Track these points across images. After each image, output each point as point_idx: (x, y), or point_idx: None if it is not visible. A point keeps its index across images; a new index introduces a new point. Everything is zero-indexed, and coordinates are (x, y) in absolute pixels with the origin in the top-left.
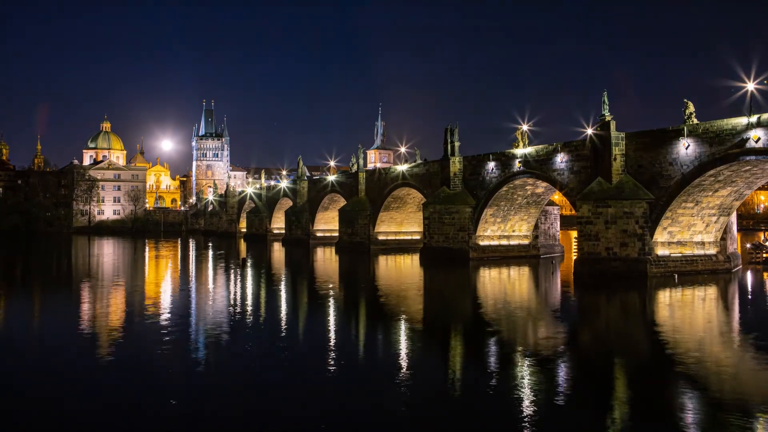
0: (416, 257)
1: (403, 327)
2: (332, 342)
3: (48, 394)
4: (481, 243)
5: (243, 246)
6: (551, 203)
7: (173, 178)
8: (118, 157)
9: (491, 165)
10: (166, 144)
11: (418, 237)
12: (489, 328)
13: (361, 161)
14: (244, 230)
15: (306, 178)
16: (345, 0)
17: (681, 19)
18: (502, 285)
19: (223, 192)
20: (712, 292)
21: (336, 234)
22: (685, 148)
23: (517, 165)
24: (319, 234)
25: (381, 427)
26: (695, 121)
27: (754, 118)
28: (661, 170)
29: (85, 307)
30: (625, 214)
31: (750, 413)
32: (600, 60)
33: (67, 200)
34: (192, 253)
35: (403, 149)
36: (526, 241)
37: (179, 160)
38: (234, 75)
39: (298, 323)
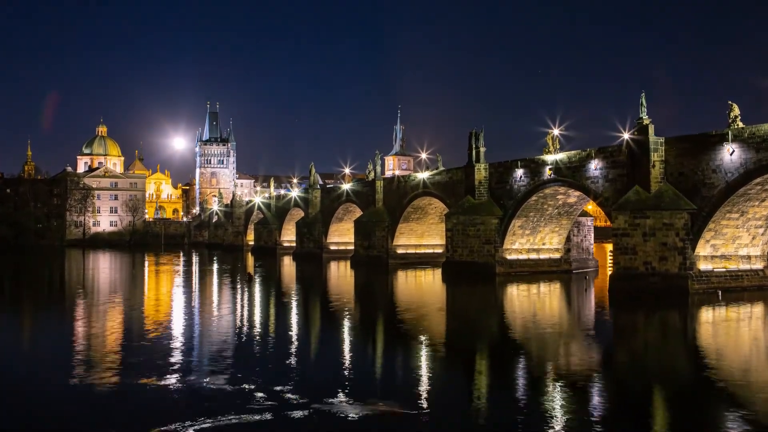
0: (438, 272)
1: (423, 349)
2: (347, 365)
3: (33, 427)
4: (509, 257)
5: (250, 260)
6: (584, 214)
7: (175, 187)
8: (115, 163)
9: (519, 172)
10: (167, 149)
11: (440, 250)
12: (517, 350)
13: (378, 168)
14: (252, 243)
15: (319, 186)
16: None
17: (723, 10)
18: (531, 302)
19: (228, 202)
20: (758, 310)
21: (351, 247)
22: (730, 154)
23: (547, 172)
24: (332, 247)
25: None
26: (740, 124)
27: None
28: (704, 178)
29: (79, 327)
30: (665, 226)
31: None
32: (637, 58)
33: (60, 211)
34: (195, 268)
35: (423, 155)
36: (557, 255)
37: (181, 167)
38: (240, 75)
39: (310, 346)
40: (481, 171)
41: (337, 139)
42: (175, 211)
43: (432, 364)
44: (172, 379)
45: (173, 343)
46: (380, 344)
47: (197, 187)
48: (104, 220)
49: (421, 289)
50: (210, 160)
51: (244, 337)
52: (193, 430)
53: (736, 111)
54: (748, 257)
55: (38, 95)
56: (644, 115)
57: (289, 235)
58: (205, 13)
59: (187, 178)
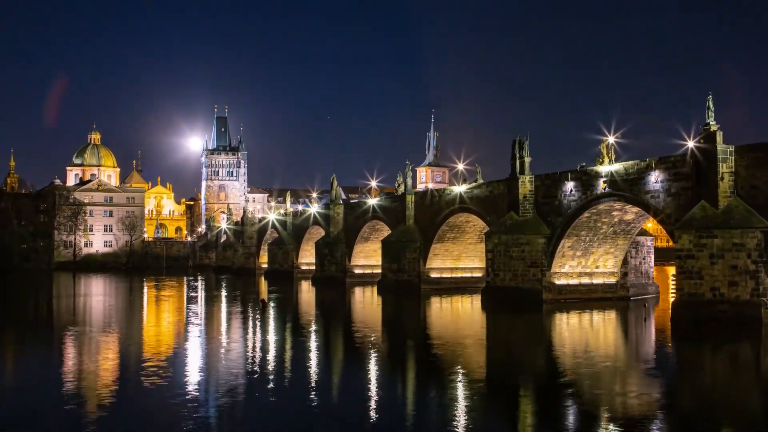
0: (477, 299)
1: (461, 387)
2: (375, 406)
3: None
4: (557, 282)
5: (264, 285)
6: (643, 233)
7: (178, 202)
8: (109, 175)
9: (569, 185)
10: (169, 160)
11: (479, 274)
12: (567, 388)
13: (409, 181)
14: (265, 266)
15: (341, 201)
16: None
17: None
18: (583, 333)
19: (239, 219)
20: None
21: (378, 270)
22: None
23: (601, 185)
24: (357, 270)
25: None
26: None
27: None
28: None
29: (68, 362)
30: (735, 247)
31: None
32: (704, 56)
33: (47, 229)
34: (201, 294)
35: (460, 166)
36: (612, 280)
37: (185, 180)
38: (252, 76)
39: (332, 385)
40: (525, 184)
41: (363, 149)
42: (178, 229)
43: (471, 403)
44: (174, 429)
45: (175, 382)
46: (411, 382)
47: (203, 202)
48: (97, 239)
49: (458, 318)
50: (218, 171)
51: (257, 375)
52: None
53: None
54: None
55: (21, 97)
56: (711, 121)
57: (307, 257)
58: (212, 6)
59: (192, 192)
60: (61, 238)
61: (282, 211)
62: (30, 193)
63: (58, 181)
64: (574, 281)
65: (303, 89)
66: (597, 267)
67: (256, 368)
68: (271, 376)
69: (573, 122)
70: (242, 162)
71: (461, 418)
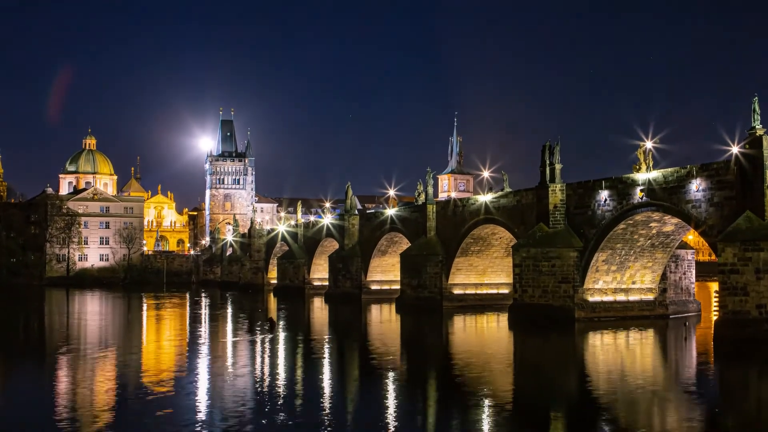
0: (504, 317)
1: (486, 412)
2: None
3: None
4: (591, 298)
5: (273, 303)
6: (683, 245)
7: (180, 212)
8: (105, 183)
9: (604, 194)
10: (171, 166)
11: (505, 290)
12: (601, 413)
13: (430, 189)
14: (275, 281)
15: (357, 212)
16: None
17: None
18: (619, 354)
19: (246, 231)
20: None
21: (396, 286)
22: None
23: (638, 194)
24: (374, 286)
25: None
26: None
27: None
28: None
29: (61, 387)
30: None
31: None
32: (748, 55)
33: (39, 242)
34: (205, 313)
35: (486, 173)
36: (650, 296)
37: (188, 188)
38: (260, 77)
39: (347, 412)
40: (556, 193)
41: (380, 155)
42: (180, 242)
43: (497, 430)
44: None
45: (177, 409)
46: (433, 407)
47: (207, 212)
48: (93, 253)
49: (483, 338)
50: (223, 179)
51: (266, 401)
52: None
53: None
54: None
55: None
56: (758, 124)
57: (320, 272)
58: (213, 6)
59: (195, 201)
60: (53, 252)
61: (292, 222)
62: (20, 202)
63: (50, 190)
64: (609, 298)
65: (315, 90)
66: (633, 283)
67: (265, 394)
68: (281, 402)
69: (607, 126)
70: (249, 169)
71: None
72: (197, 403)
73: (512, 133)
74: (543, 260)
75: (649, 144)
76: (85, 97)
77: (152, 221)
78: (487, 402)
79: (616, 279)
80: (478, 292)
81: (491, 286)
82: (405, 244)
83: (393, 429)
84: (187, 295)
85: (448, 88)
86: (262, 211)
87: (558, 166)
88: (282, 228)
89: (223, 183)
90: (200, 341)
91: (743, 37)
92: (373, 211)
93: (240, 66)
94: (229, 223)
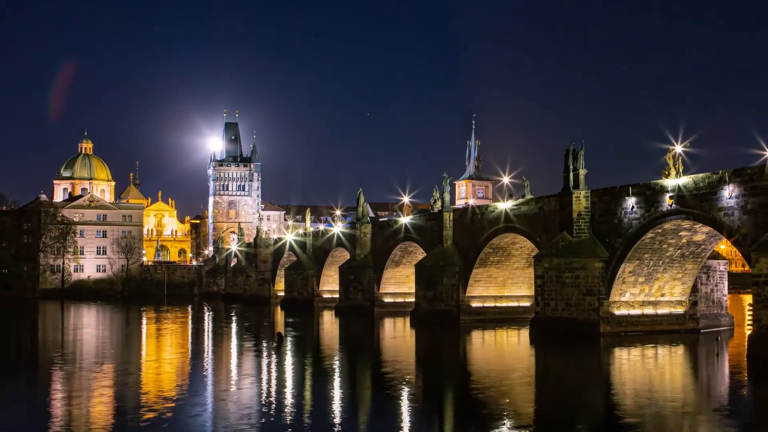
0: (525, 332)
1: (507, 430)
2: None
3: None
4: (617, 312)
5: (280, 316)
6: (716, 256)
7: (181, 221)
8: (103, 190)
9: (631, 201)
10: (172, 172)
11: (527, 303)
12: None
13: (446, 196)
14: (282, 294)
15: (369, 220)
16: None
17: None
18: (647, 371)
19: (251, 240)
20: None
21: (411, 299)
22: None
23: (667, 201)
24: (387, 299)
25: None
26: None
27: None
28: None
29: (55, 405)
30: None
31: None
32: None
33: (32, 252)
34: (208, 327)
35: (505, 179)
36: (680, 309)
37: (190, 195)
38: (265, 79)
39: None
40: (580, 200)
41: (393, 159)
42: (182, 252)
43: None
44: None
45: (178, 430)
46: (450, 428)
47: (210, 220)
48: (89, 264)
49: (503, 354)
50: (227, 185)
51: (272, 422)
52: None
53: None
54: None
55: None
56: None
57: (330, 284)
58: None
59: (198, 209)
60: (47, 262)
61: (301, 231)
62: (12, 210)
63: (43, 197)
64: (636, 311)
65: (326, 92)
66: (662, 295)
67: (272, 414)
68: (289, 422)
69: (634, 129)
70: (255, 174)
71: None
72: (199, 425)
73: (533, 137)
74: (566, 271)
75: (678, 148)
76: (81, 100)
77: (152, 230)
78: (507, 422)
79: (644, 291)
80: (498, 305)
81: (511, 299)
82: (420, 254)
83: None
84: (189, 309)
85: (465, 91)
86: (268, 219)
87: (582, 172)
88: (290, 237)
89: (228, 189)
90: (203, 358)
91: None
92: (386, 219)
93: (246, 66)
94: (234, 232)
